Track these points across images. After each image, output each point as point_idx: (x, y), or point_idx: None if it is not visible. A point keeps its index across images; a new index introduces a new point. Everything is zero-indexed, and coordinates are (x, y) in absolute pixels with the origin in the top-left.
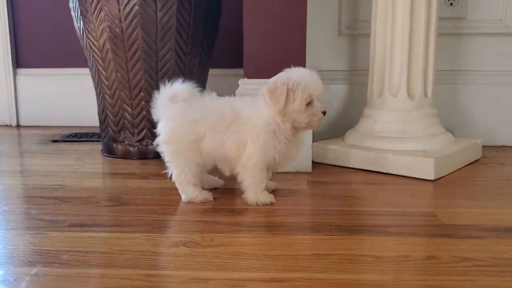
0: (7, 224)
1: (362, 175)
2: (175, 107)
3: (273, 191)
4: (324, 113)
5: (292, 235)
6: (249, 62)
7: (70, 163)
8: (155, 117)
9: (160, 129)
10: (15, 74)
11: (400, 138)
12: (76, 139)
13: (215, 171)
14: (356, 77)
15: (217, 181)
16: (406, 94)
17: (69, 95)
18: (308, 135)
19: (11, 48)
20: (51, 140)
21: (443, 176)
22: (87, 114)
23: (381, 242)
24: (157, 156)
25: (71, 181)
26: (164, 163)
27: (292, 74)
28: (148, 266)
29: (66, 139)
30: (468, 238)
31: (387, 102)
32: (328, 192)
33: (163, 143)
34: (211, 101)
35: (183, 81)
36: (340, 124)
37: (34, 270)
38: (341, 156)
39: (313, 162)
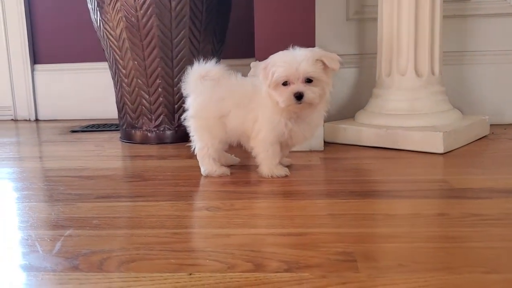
0: (37, 198)
1: (373, 151)
2: (205, 84)
3: (287, 166)
4: (298, 95)
5: (308, 200)
6: (260, 45)
7: (91, 148)
8: (184, 92)
9: (189, 104)
10: (32, 70)
11: (410, 115)
12: (94, 129)
13: (232, 149)
14: (365, 60)
15: (233, 159)
16: (414, 72)
17: (86, 89)
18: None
19: (28, 44)
20: (70, 131)
21: (453, 150)
22: (104, 107)
23: (393, 203)
24: (175, 140)
25: (94, 163)
26: (182, 145)
27: (275, 55)
28: (174, 226)
29: (85, 129)
30: (477, 199)
31: (395, 81)
32: (340, 166)
33: (191, 118)
34: (236, 80)
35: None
36: (350, 106)
37: (68, 232)
38: (352, 134)
39: (324, 142)
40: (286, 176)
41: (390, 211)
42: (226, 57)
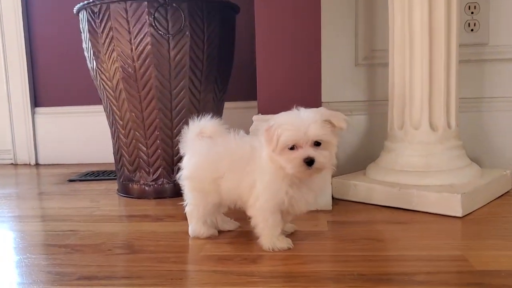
0: (13, 278)
1: (385, 213)
2: (200, 143)
3: (291, 234)
4: (309, 160)
5: (312, 286)
6: (263, 97)
7: (85, 205)
8: (181, 151)
9: (184, 164)
10: (33, 113)
11: (424, 172)
12: (92, 177)
13: (232, 213)
14: (375, 107)
15: (231, 223)
16: (429, 126)
17: (88, 132)
18: (326, 178)
19: (29, 86)
20: (67, 180)
21: (472, 212)
22: (106, 151)
23: None
24: (174, 195)
25: (85, 226)
26: (180, 202)
27: (279, 116)
28: None
29: (83, 178)
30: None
31: (409, 135)
32: (349, 234)
33: (185, 179)
34: (233, 139)
35: (211, 117)
36: (360, 156)
37: None
38: (363, 192)
39: (333, 198)
40: (289, 248)
41: None
42: (228, 99)
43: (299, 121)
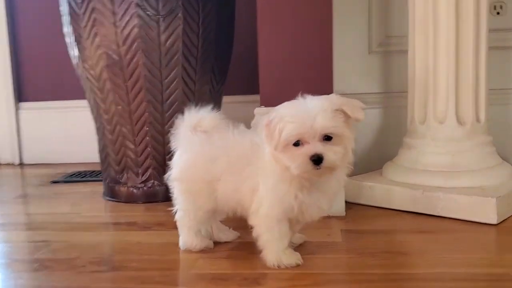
0: None
1: (407, 220)
2: (194, 138)
3: (299, 245)
4: (316, 158)
5: None
6: (266, 87)
7: (66, 210)
8: (172, 146)
9: (174, 161)
10: (17, 109)
11: (451, 172)
12: (78, 179)
13: (231, 220)
14: (392, 99)
15: (230, 233)
16: (455, 119)
17: (76, 129)
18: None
19: (12, 80)
20: (51, 181)
21: (506, 219)
22: (95, 149)
23: None
24: (166, 198)
25: (61, 236)
26: (171, 207)
27: (281, 107)
28: None
29: (68, 179)
30: None
31: (432, 130)
32: (367, 246)
33: (174, 180)
34: (232, 135)
35: (211, 109)
36: (374, 155)
37: None
38: (380, 195)
39: (346, 202)
40: (298, 265)
41: None
42: (227, 92)
43: (305, 112)
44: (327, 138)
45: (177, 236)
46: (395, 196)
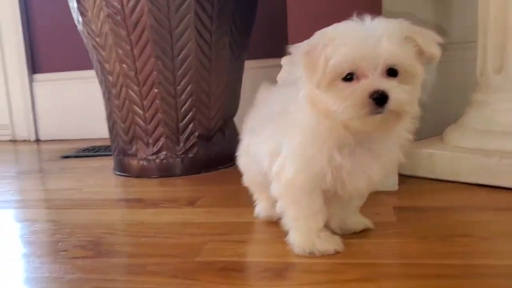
0: None
1: (480, 195)
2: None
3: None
4: (379, 95)
5: None
6: (296, 24)
7: (68, 186)
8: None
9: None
10: (31, 81)
11: None
12: (91, 153)
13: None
14: (451, 51)
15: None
16: None
17: (95, 102)
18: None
19: (26, 50)
20: (61, 156)
21: None
22: None
23: None
24: (183, 172)
25: (51, 214)
26: (195, 178)
27: (330, 29)
28: None
29: (80, 153)
30: None
31: (511, 81)
32: (427, 229)
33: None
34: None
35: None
36: (432, 117)
37: None
38: (442, 165)
39: (399, 175)
40: (337, 252)
41: None
42: (249, 57)
43: (364, 33)
44: (391, 73)
45: (188, 214)
46: (462, 166)
